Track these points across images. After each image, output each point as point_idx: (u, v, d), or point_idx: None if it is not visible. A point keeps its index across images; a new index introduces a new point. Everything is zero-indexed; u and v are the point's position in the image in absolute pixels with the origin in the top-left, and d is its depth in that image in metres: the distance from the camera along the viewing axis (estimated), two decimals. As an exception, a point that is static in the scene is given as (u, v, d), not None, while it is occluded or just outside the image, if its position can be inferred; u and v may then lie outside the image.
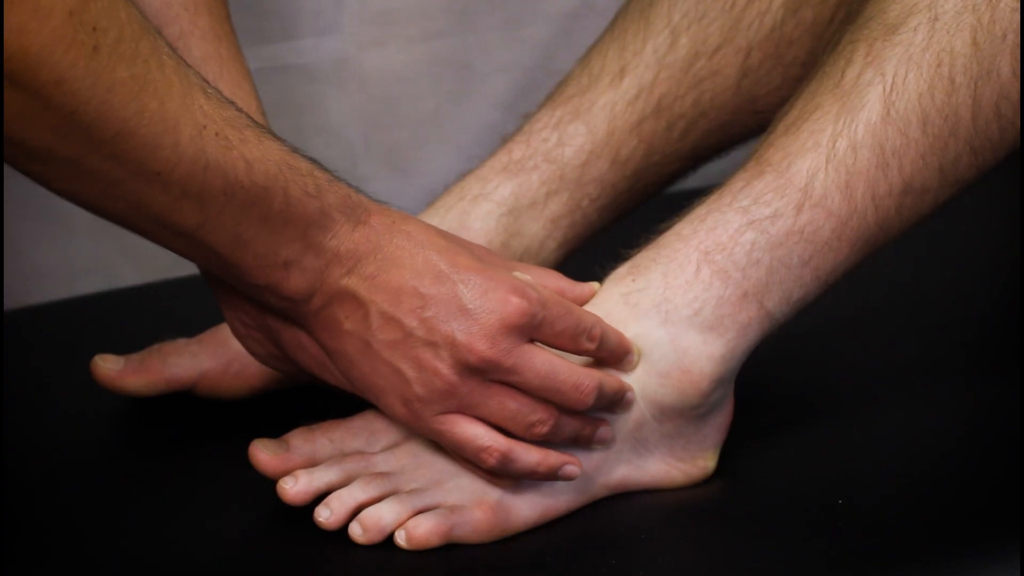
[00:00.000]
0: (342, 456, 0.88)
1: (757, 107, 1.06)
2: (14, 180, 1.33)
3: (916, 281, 1.13)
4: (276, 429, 0.90)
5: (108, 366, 0.99)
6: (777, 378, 0.94)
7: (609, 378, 0.87)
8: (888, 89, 0.88)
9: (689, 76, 1.05)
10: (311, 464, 0.88)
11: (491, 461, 0.85)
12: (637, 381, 0.89)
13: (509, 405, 0.85)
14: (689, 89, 1.05)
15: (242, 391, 1.00)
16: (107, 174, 0.76)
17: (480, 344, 0.83)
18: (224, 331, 1.00)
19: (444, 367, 0.83)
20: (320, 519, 0.86)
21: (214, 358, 0.99)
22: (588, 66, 1.07)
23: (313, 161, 0.83)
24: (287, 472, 0.87)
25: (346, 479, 0.87)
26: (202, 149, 0.77)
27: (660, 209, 0.96)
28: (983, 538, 0.86)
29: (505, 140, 1.07)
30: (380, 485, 0.87)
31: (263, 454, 0.88)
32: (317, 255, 0.83)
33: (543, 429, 0.85)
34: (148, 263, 1.39)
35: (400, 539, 0.85)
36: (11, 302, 1.32)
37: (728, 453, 0.92)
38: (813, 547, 0.86)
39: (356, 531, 0.86)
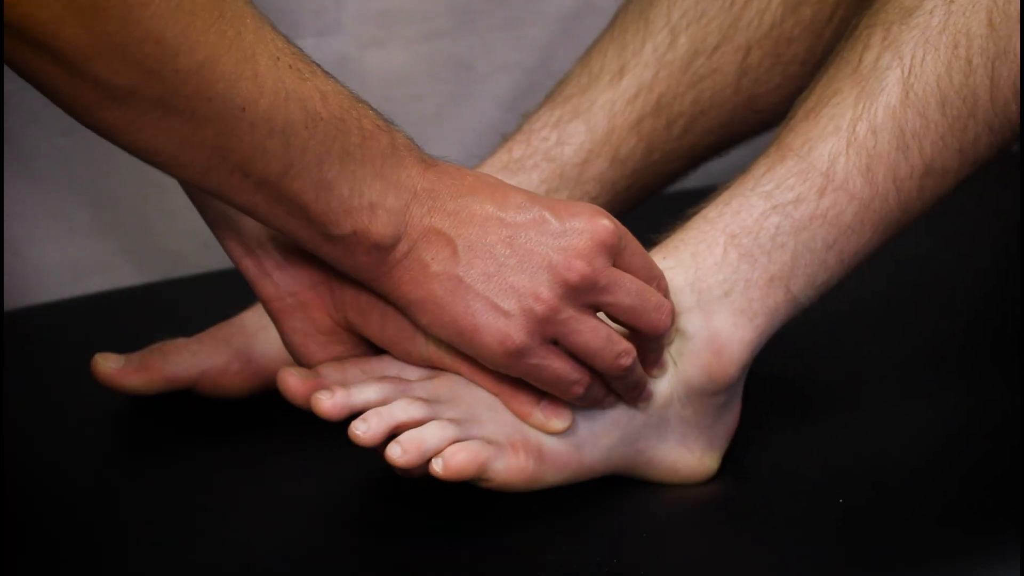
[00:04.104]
0: (380, 378, 0.87)
1: (756, 106, 1.06)
2: (14, 180, 1.33)
3: (917, 279, 1.13)
4: (276, 428, 0.91)
5: (108, 364, 0.99)
6: (776, 376, 0.94)
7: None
8: (906, 72, 0.88)
9: (688, 75, 1.05)
10: None
11: (579, 390, 0.85)
12: (669, 357, 0.89)
13: (602, 331, 0.84)
14: (688, 88, 1.05)
15: (242, 390, 1.00)
16: (193, 113, 0.75)
17: (577, 262, 0.83)
18: (224, 330, 1.00)
19: (544, 290, 0.83)
20: (357, 432, 0.83)
21: (214, 356, 0.99)
22: (588, 65, 1.07)
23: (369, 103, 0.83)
24: None
25: (383, 400, 0.85)
26: (280, 79, 0.77)
27: (660, 208, 0.96)
28: (983, 538, 0.86)
29: (505, 139, 1.07)
30: (421, 408, 0.85)
31: (293, 379, 0.86)
32: (397, 194, 0.81)
33: (627, 360, 0.85)
34: (148, 263, 1.39)
35: (436, 466, 0.84)
36: (11, 302, 1.32)
37: (729, 451, 0.92)
38: (814, 546, 0.86)
39: (395, 451, 0.83)
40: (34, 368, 1.07)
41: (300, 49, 0.80)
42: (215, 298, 1.06)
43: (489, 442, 0.85)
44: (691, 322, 0.88)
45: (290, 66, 0.78)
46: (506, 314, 0.83)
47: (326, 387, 0.85)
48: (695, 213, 0.91)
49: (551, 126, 1.06)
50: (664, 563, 0.86)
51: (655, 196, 1.09)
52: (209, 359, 0.99)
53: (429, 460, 0.84)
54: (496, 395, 0.87)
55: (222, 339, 1.00)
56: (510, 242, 0.83)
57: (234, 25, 0.75)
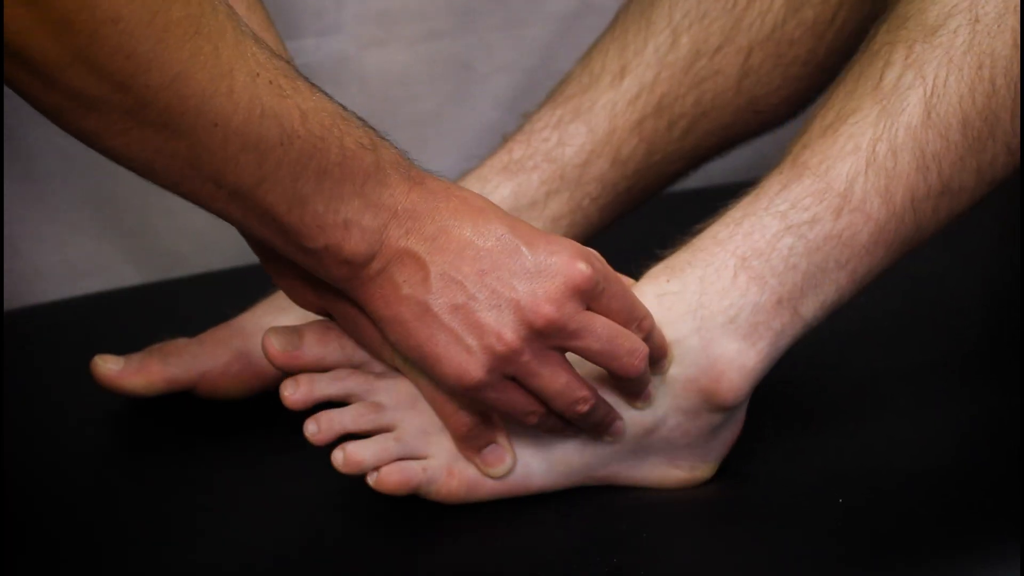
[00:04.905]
0: (348, 372, 0.88)
1: (758, 107, 1.06)
2: (14, 180, 1.33)
3: (916, 282, 1.13)
4: (276, 428, 0.90)
5: (108, 366, 0.99)
6: (778, 379, 0.94)
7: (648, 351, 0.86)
8: (929, 92, 0.87)
9: (690, 76, 1.05)
10: (318, 367, 0.87)
11: (534, 420, 0.85)
12: (663, 385, 0.88)
13: (561, 377, 0.84)
14: (690, 88, 1.05)
15: (242, 391, 1.00)
16: (165, 126, 0.75)
17: (546, 307, 0.82)
18: (224, 331, 1.00)
19: (508, 331, 0.82)
20: (307, 433, 0.86)
21: (214, 358, 0.99)
22: (589, 65, 1.07)
23: (361, 119, 0.82)
24: (293, 368, 0.87)
25: (345, 396, 0.87)
26: (257, 96, 0.76)
27: (661, 208, 0.96)
28: (983, 538, 0.86)
29: (506, 140, 1.07)
30: (372, 420, 0.87)
31: (274, 346, 0.87)
32: (376, 213, 0.81)
33: (584, 407, 0.85)
34: (148, 263, 1.39)
35: (371, 480, 0.86)
36: (11, 302, 1.32)
37: (734, 455, 0.91)
38: (814, 547, 0.86)
39: (338, 459, 0.86)
40: (34, 368, 1.07)
41: (287, 63, 0.79)
42: (215, 298, 1.06)
43: (424, 468, 0.87)
44: (690, 350, 0.88)
45: (270, 82, 0.77)
46: (468, 349, 0.83)
47: (302, 363, 0.87)
48: (703, 229, 0.90)
49: (552, 126, 1.05)
50: (664, 563, 0.85)
51: (655, 197, 1.09)
52: (209, 361, 0.99)
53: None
54: (445, 425, 0.88)
55: (222, 341, 1.00)
56: (482, 275, 0.82)
57: (211, 40, 0.75)
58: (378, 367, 0.88)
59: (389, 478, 0.86)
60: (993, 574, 0.84)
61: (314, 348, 0.88)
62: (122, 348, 1.00)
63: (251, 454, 0.96)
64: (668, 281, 0.88)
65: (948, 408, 0.99)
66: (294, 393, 0.87)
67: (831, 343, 1.04)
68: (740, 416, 0.90)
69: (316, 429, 0.86)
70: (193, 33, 0.74)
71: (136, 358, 0.99)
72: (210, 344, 1.00)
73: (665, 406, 0.88)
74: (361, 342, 0.88)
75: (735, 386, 0.87)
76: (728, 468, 0.91)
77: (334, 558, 0.86)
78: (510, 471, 0.88)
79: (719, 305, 0.87)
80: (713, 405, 0.88)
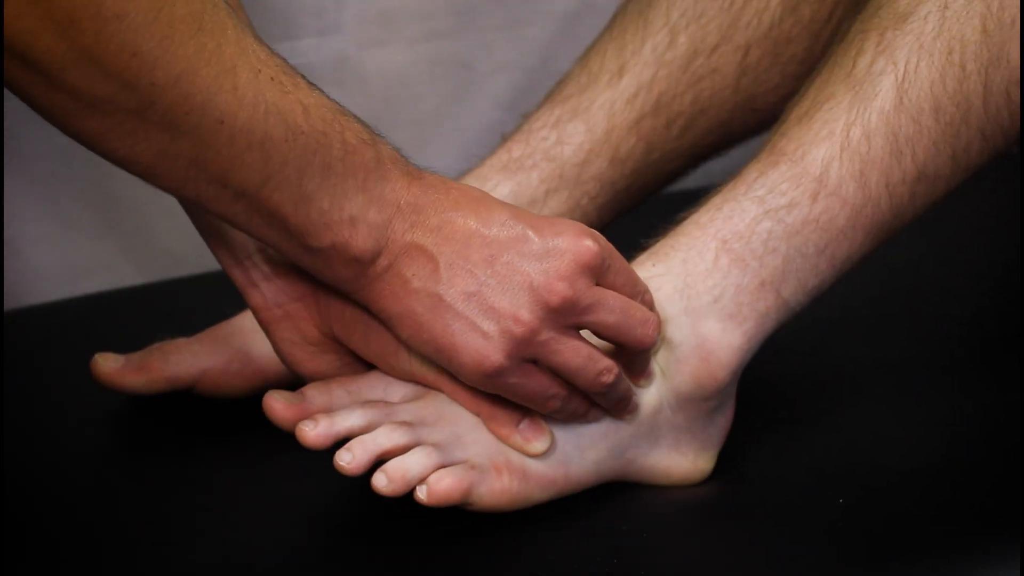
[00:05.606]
0: (363, 402, 0.86)
1: (756, 105, 1.06)
2: (14, 180, 1.33)
3: (916, 279, 1.13)
4: (276, 428, 0.90)
5: (108, 364, 0.99)
6: (774, 376, 0.94)
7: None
8: (900, 78, 0.88)
9: (688, 74, 1.05)
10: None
11: (556, 404, 0.85)
12: (657, 365, 0.89)
13: (582, 351, 0.84)
14: (688, 87, 1.05)
15: (242, 390, 1.00)
16: (170, 125, 0.74)
17: (559, 284, 0.82)
18: (224, 329, 1.00)
19: (524, 312, 0.82)
20: (341, 463, 0.83)
21: (214, 356, 0.99)
22: (587, 65, 1.07)
23: (355, 115, 0.82)
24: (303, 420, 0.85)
25: (368, 426, 0.85)
26: (260, 92, 0.76)
27: (660, 208, 0.96)
28: (983, 538, 0.86)
29: (505, 139, 1.07)
30: (405, 434, 0.85)
31: (278, 404, 0.86)
32: (380, 208, 0.81)
33: (609, 378, 0.85)
34: (148, 263, 1.39)
35: (421, 493, 0.84)
36: (11, 302, 1.32)
37: (728, 452, 0.92)
38: (813, 547, 0.86)
39: (381, 481, 0.83)
40: (34, 368, 1.07)
41: (284, 60, 0.79)
42: (215, 298, 1.05)
43: (473, 466, 0.86)
44: (679, 329, 0.88)
45: (272, 78, 0.77)
46: (485, 335, 0.82)
47: (310, 413, 0.86)
48: (686, 217, 0.90)
49: (550, 126, 1.06)
50: (664, 563, 0.85)
51: (654, 196, 1.09)
52: (209, 359, 0.99)
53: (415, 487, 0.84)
54: (476, 415, 0.87)
55: (222, 339, 1.00)
56: (492, 261, 0.82)
57: (214, 37, 0.75)
58: (395, 396, 0.88)
59: (440, 484, 0.84)
60: (993, 574, 0.84)
61: (319, 398, 0.87)
62: (122, 348, 1.00)
63: (251, 454, 0.96)
64: (654, 265, 0.89)
65: (945, 405, 0.99)
66: (314, 428, 0.84)
67: (825, 337, 1.04)
68: (731, 402, 0.91)
69: (351, 456, 0.84)
70: (196, 29, 0.74)
71: (136, 357, 0.99)
72: (210, 342, 1.00)
73: (663, 387, 0.89)
74: (372, 353, 0.87)
75: (724, 364, 0.88)
76: (726, 468, 0.91)
77: (334, 558, 0.86)
78: (552, 445, 0.87)
79: (703, 286, 0.88)
80: (704, 385, 0.88)
